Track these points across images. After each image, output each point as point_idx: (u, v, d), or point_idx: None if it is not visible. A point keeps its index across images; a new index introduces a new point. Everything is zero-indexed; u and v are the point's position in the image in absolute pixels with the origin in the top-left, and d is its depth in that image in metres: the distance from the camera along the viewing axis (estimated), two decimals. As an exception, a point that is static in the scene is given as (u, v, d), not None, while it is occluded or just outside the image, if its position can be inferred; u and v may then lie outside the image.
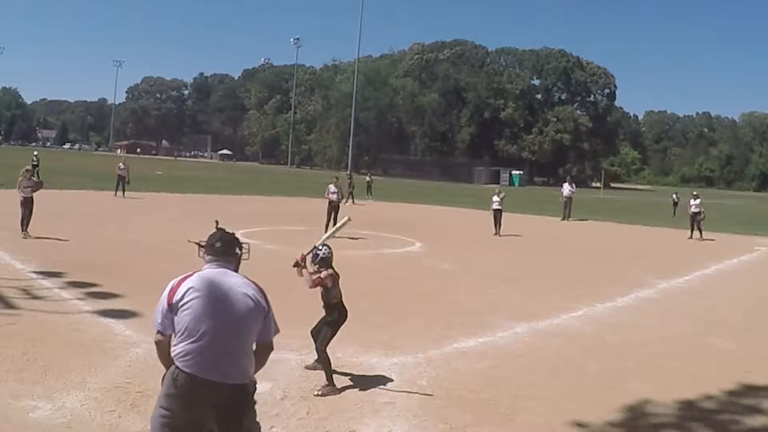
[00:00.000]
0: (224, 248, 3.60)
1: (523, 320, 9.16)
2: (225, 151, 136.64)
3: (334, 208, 18.22)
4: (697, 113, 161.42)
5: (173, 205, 25.27)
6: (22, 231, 14.10)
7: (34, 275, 10.24)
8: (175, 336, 3.41)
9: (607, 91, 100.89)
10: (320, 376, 6.39)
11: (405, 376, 6.56)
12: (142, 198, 27.38)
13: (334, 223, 15.43)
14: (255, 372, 3.50)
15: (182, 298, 3.39)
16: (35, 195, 14.71)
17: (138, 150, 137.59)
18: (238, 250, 3.65)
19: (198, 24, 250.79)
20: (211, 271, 3.52)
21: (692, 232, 22.65)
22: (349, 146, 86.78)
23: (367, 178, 38.04)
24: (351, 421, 5.37)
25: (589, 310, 10.23)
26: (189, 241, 3.88)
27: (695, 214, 22.87)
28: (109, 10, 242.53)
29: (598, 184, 78.44)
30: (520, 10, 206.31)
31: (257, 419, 3.51)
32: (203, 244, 3.64)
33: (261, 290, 3.56)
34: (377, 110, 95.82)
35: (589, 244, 20.66)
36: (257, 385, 3.52)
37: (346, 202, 27.29)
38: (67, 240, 14.09)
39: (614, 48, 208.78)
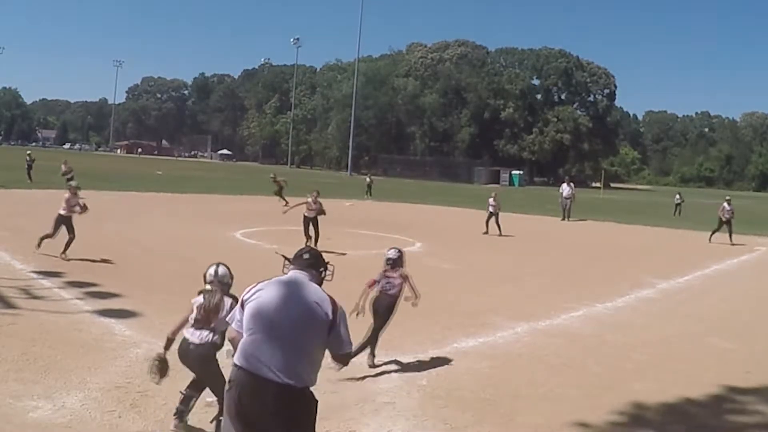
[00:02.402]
0: (309, 261, 3.73)
1: (523, 320, 9.16)
2: (225, 151, 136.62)
3: (311, 222, 15.15)
4: (697, 113, 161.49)
5: (173, 205, 25.27)
6: (63, 253, 11.71)
7: (34, 275, 10.24)
8: (242, 335, 3.55)
9: (607, 91, 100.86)
10: (319, 375, 6.38)
11: (405, 376, 6.56)
12: (143, 198, 27.39)
13: (316, 237, 14.86)
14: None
15: (251, 296, 3.57)
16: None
17: (139, 150, 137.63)
18: (321, 268, 3.77)
19: (198, 24, 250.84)
20: (285, 277, 3.69)
21: (730, 236, 21.37)
22: (349, 146, 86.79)
23: (367, 179, 37.88)
24: (351, 421, 5.37)
25: (589, 310, 10.23)
26: (276, 252, 3.94)
27: (728, 219, 21.72)
28: (109, 10, 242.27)
29: (597, 184, 78.42)
30: (520, 10, 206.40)
31: (309, 428, 3.51)
32: (290, 258, 3.80)
33: (333, 304, 3.58)
34: (377, 110, 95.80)
35: (589, 244, 20.66)
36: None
37: (285, 204, 26.00)
38: (109, 262, 12.05)
39: (614, 48, 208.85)
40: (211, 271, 5.20)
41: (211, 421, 4.99)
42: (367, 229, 20.20)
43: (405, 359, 7.06)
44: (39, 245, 11.93)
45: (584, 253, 18.15)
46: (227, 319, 3.65)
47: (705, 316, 10.53)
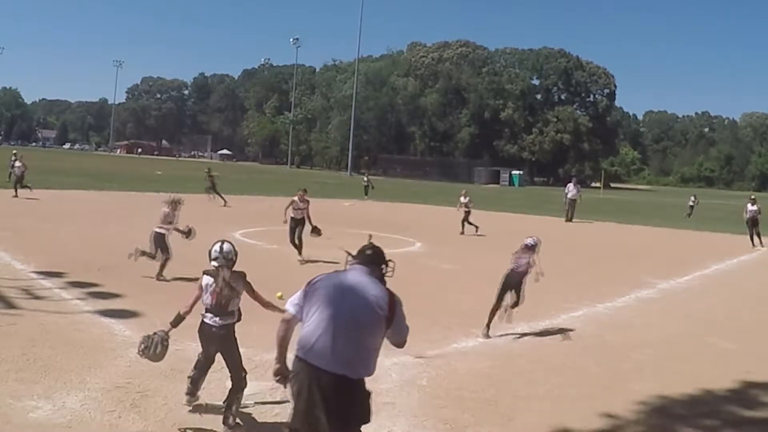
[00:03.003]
0: (371, 257, 3.83)
1: (523, 320, 9.15)
2: (225, 151, 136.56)
3: (299, 224, 13.97)
4: (697, 113, 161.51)
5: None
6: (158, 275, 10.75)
7: (34, 275, 10.24)
8: (302, 324, 3.72)
9: (607, 91, 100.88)
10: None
11: (405, 376, 6.55)
12: (143, 198, 27.38)
13: (299, 241, 13.54)
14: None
15: (313, 288, 3.73)
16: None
17: (139, 150, 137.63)
18: (383, 265, 3.85)
19: (198, 24, 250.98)
20: (347, 271, 3.80)
21: (752, 239, 20.83)
22: (349, 146, 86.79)
23: (365, 179, 37.59)
24: (351, 421, 5.36)
25: (589, 310, 10.23)
26: (341, 248, 4.04)
27: (754, 219, 21.07)
28: (109, 10, 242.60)
29: (597, 184, 78.46)
30: (520, 10, 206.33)
31: (366, 417, 3.66)
32: (353, 254, 3.90)
33: (391, 298, 3.70)
34: (377, 110, 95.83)
35: (589, 244, 20.65)
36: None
37: (213, 197, 25.87)
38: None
39: (614, 48, 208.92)
40: (216, 247, 5.24)
41: (223, 402, 5.17)
42: (367, 229, 20.16)
43: (405, 359, 7.06)
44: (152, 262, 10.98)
45: (584, 253, 18.14)
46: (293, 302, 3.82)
47: (705, 316, 10.53)
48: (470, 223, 20.55)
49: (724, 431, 5.74)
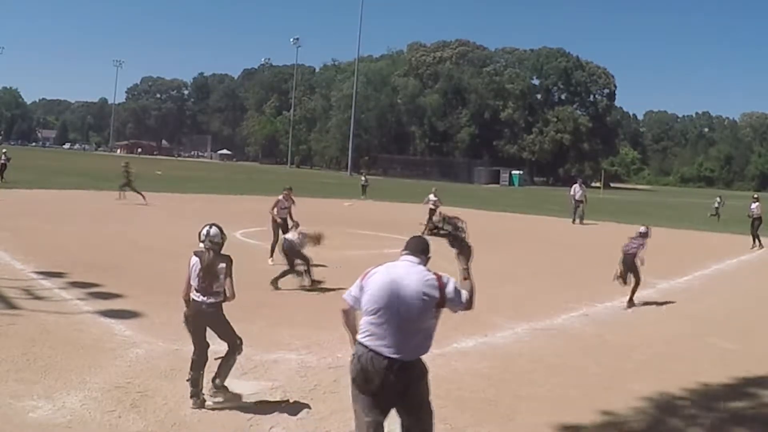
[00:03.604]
0: (419, 247, 4.16)
1: (523, 320, 9.16)
2: (225, 151, 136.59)
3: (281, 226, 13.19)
4: (697, 113, 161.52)
5: (173, 205, 25.27)
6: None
7: (34, 275, 10.24)
8: (362, 314, 4.01)
9: (606, 91, 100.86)
10: (319, 375, 6.40)
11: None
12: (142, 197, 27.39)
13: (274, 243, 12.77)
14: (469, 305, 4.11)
15: (368, 280, 4.02)
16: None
17: (139, 150, 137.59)
18: (429, 254, 4.19)
19: (198, 24, 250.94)
20: (397, 261, 4.09)
21: (754, 240, 20.39)
22: (349, 146, 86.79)
23: (363, 179, 37.17)
24: (351, 421, 5.35)
25: (589, 310, 10.23)
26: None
27: (756, 219, 20.65)
28: (109, 10, 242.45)
29: (597, 184, 78.42)
30: (520, 10, 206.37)
31: (429, 398, 3.99)
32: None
33: (439, 280, 4.00)
34: (377, 110, 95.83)
35: (589, 244, 20.65)
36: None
37: (122, 195, 24.33)
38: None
39: (614, 48, 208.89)
40: (204, 231, 5.57)
41: (216, 359, 5.52)
42: (367, 229, 20.21)
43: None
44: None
45: (584, 253, 18.14)
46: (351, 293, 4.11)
47: (705, 316, 10.53)
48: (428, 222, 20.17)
49: (724, 431, 5.74)
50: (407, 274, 3.98)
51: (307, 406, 5.60)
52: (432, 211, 20.41)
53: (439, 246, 4.39)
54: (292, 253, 10.54)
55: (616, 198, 57.12)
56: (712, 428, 5.73)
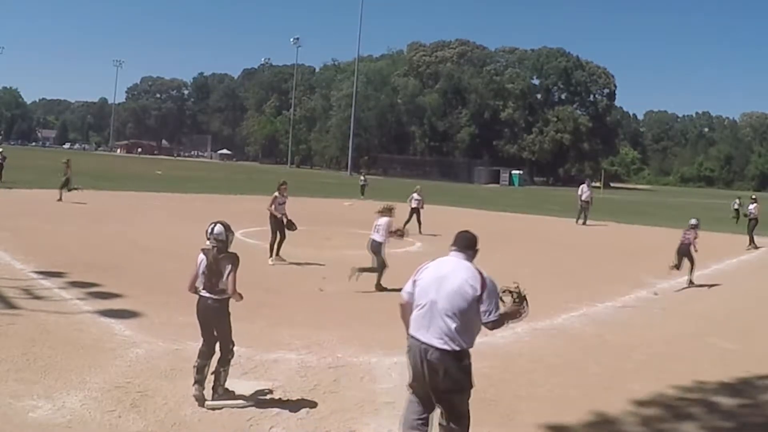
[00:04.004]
0: (466, 243, 4.56)
1: (523, 320, 9.15)
2: (225, 151, 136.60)
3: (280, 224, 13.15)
4: (697, 113, 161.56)
5: (173, 205, 25.26)
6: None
7: (34, 275, 10.24)
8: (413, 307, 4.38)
9: (606, 91, 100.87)
10: (319, 375, 6.40)
11: (405, 376, 6.53)
12: (143, 198, 27.40)
13: (281, 240, 13.03)
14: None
15: (419, 276, 4.42)
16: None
17: (139, 150, 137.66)
18: (477, 248, 4.61)
19: (198, 24, 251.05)
20: (446, 257, 4.49)
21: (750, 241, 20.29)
22: (349, 146, 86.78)
23: (362, 179, 36.73)
24: (351, 421, 5.37)
25: (589, 310, 10.23)
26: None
27: (752, 219, 20.63)
28: (109, 10, 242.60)
29: (597, 184, 78.45)
30: (520, 10, 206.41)
31: (465, 384, 4.33)
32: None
33: (482, 280, 4.29)
34: (377, 110, 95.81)
35: (589, 244, 20.64)
36: None
37: (61, 193, 22.80)
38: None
39: (614, 48, 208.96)
40: (209, 228, 5.62)
41: (212, 373, 5.55)
42: (367, 229, 20.17)
43: (405, 359, 7.06)
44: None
45: (584, 253, 18.13)
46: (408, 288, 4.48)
47: (705, 316, 10.53)
48: (419, 222, 19.74)
49: (724, 431, 5.74)
50: (454, 269, 4.34)
51: (307, 406, 5.60)
52: (414, 210, 20.13)
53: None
54: (378, 252, 11.01)
55: (616, 198, 57.12)
56: (712, 429, 5.73)
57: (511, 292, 4.62)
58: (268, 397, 5.72)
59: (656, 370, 7.25)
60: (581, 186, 27.27)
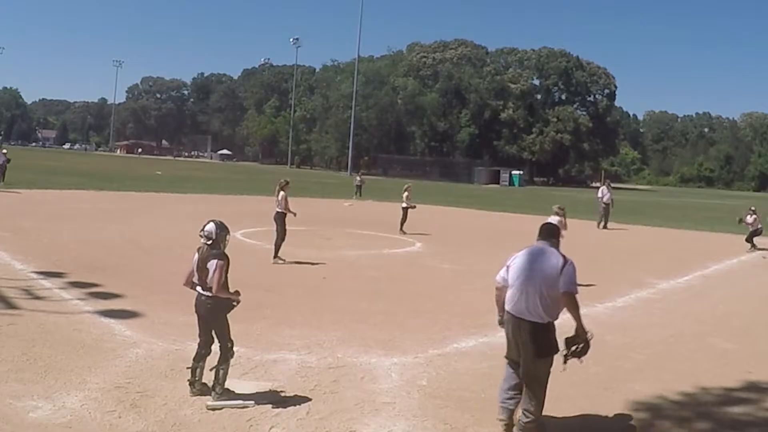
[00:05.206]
0: (549, 232, 5.44)
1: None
2: (225, 151, 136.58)
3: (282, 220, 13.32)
4: (697, 113, 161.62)
5: (173, 205, 25.26)
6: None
7: (34, 275, 10.24)
8: (508, 288, 5.22)
9: (607, 91, 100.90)
10: (319, 375, 6.40)
11: (405, 376, 6.55)
12: (143, 198, 27.40)
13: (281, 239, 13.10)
14: (571, 314, 5.11)
15: (512, 263, 5.29)
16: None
17: (139, 150, 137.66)
18: (559, 237, 5.44)
19: (198, 24, 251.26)
20: (533, 246, 5.36)
21: (752, 246, 19.93)
22: (349, 146, 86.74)
23: (357, 179, 36.16)
24: (351, 421, 5.37)
25: (589, 310, 10.19)
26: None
27: (754, 231, 20.22)
28: (109, 10, 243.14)
29: (597, 184, 78.47)
30: (520, 10, 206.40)
31: (546, 351, 5.06)
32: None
33: (564, 262, 5.10)
34: (377, 110, 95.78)
35: (589, 244, 20.63)
36: None
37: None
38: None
39: (614, 48, 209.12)
40: (203, 226, 5.70)
41: (211, 369, 5.58)
42: (367, 229, 20.20)
43: (405, 359, 7.07)
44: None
45: (584, 254, 18.06)
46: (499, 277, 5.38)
47: (705, 316, 10.53)
48: (403, 224, 19.46)
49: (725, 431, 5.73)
50: (541, 254, 5.20)
51: (307, 406, 5.60)
52: (406, 210, 19.83)
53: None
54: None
55: (616, 198, 56.91)
56: (712, 429, 5.72)
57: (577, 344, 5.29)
58: (268, 397, 5.72)
59: (656, 370, 7.25)
60: (600, 188, 26.26)
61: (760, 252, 19.57)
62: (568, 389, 6.49)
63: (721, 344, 8.64)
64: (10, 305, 8.30)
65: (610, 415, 5.82)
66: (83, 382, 5.82)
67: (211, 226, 5.63)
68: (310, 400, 5.73)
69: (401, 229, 19.24)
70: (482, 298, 10.75)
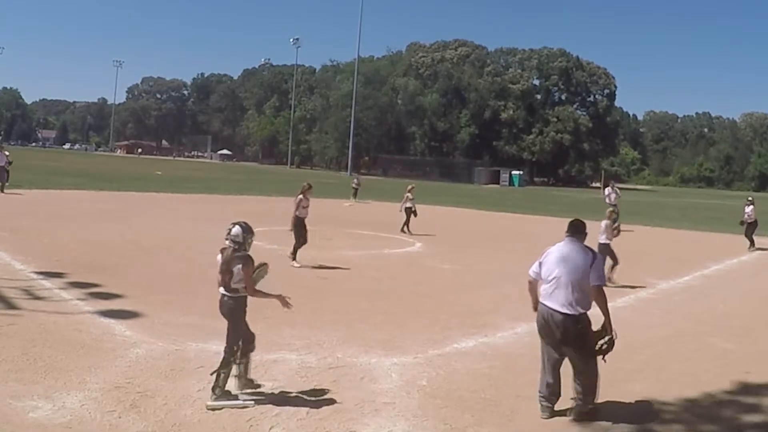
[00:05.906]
0: (577, 228, 5.74)
1: (523, 320, 9.13)
2: (225, 151, 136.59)
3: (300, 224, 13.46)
4: (697, 113, 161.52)
5: (173, 205, 25.26)
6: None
7: (34, 275, 10.23)
8: (541, 282, 5.58)
9: (607, 91, 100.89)
10: (319, 376, 6.40)
11: (405, 376, 6.55)
12: (143, 198, 27.40)
13: (302, 242, 13.13)
14: (600, 307, 5.50)
15: (545, 257, 5.62)
16: None
17: (139, 150, 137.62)
18: (586, 232, 5.78)
19: (198, 24, 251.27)
20: (563, 242, 5.68)
21: (751, 243, 19.98)
22: (348, 146, 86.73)
23: (354, 182, 35.57)
24: (351, 421, 5.37)
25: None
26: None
27: (745, 222, 20.47)
28: (109, 10, 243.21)
29: (597, 184, 78.44)
30: (520, 10, 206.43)
31: (582, 341, 5.44)
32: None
33: (594, 256, 5.52)
34: (377, 110, 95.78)
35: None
36: None
37: None
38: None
39: (614, 48, 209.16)
40: (228, 229, 5.69)
41: (212, 374, 5.54)
42: (367, 229, 20.20)
43: (405, 359, 7.06)
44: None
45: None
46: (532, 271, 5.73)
47: (705, 316, 10.52)
48: (407, 223, 19.40)
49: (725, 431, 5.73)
50: (572, 249, 5.53)
51: (307, 406, 5.59)
52: (409, 210, 19.78)
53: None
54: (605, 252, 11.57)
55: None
56: (712, 429, 5.72)
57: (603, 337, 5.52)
58: (268, 397, 5.72)
59: (656, 370, 7.25)
60: (606, 189, 25.89)
61: (760, 252, 19.57)
62: (568, 390, 6.48)
63: (721, 344, 8.64)
64: (10, 305, 8.30)
65: (610, 415, 5.81)
66: (83, 382, 5.82)
67: (237, 230, 5.62)
68: (310, 400, 5.73)
69: (402, 229, 19.22)
70: (482, 298, 10.76)
